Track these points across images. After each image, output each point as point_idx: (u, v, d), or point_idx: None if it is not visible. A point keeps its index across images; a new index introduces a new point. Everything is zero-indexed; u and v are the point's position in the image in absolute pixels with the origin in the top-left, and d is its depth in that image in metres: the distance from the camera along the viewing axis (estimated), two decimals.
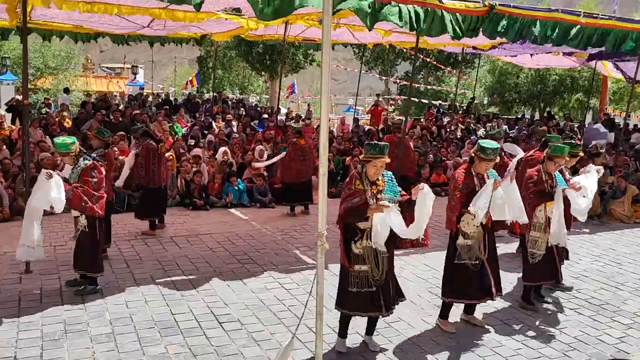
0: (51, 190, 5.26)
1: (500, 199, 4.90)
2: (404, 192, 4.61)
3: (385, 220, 4.28)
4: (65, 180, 5.53)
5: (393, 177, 4.61)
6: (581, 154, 6.54)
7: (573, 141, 6.67)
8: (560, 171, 6.06)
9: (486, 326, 5.30)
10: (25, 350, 4.52)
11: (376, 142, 4.47)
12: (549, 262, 5.67)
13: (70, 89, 18.19)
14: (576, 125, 18.39)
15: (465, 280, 5.05)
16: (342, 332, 4.75)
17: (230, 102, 19.87)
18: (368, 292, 4.48)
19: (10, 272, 6.24)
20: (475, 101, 22.56)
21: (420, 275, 6.68)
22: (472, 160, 5.04)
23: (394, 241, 4.56)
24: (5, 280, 6.02)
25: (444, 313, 5.27)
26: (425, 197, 4.33)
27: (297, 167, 9.49)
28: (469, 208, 4.72)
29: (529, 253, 5.69)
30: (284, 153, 9.83)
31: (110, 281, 6.09)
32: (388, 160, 4.46)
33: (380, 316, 4.68)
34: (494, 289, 5.08)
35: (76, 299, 5.56)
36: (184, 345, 4.70)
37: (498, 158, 4.96)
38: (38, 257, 5.66)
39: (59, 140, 5.72)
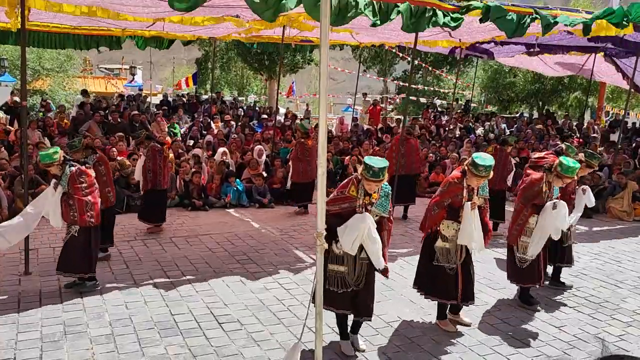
0: (52, 206, 5.41)
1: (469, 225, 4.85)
2: (390, 215, 4.59)
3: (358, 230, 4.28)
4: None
5: (389, 194, 4.57)
6: (596, 165, 6.39)
7: (593, 152, 6.48)
8: None
9: (472, 323, 5.30)
10: (25, 352, 4.51)
11: (372, 165, 4.27)
12: (536, 267, 5.64)
13: (87, 91, 18.00)
14: (575, 124, 18.41)
15: (441, 281, 5.02)
16: (343, 334, 4.74)
17: (229, 103, 19.86)
18: (345, 292, 4.48)
19: (10, 274, 6.23)
20: (463, 101, 22.60)
21: None
22: (465, 172, 4.89)
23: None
24: (4, 281, 6.01)
25: (441, 313, 5.25)
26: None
27: (303, 167, 9.50)
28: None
29: (519, 258, 5.62)
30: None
31: (110, 282, 6.08)
32: (384, 182, 4.40)
33: (350, 314, 4.63)
34: (459, 294, 5.03)
35: (76, 300, 5.56)
36: (184, 346, 4.70)
37: (491, 174, 4.80)
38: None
39: (42, 152, 5.75)
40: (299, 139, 9.80)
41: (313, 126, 11.69)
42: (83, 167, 5.72)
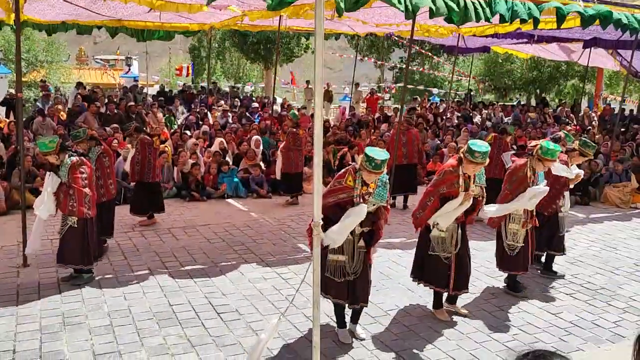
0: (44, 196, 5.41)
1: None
2: (388, 205, 4.61)
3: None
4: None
5: (387, 183, 4.55)
6: (591, 154, 6.30)
7: (587, 140, 6.32)
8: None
9: (469, 313, 5.29)
10: (24, 343, 4.53)
11: (374, 157, 4.24)
12: (524, 254, 5.67)
13: (82, 83, 17.78)
14: (571, 111, 18.41)
15: (438, 270, 5.04)
16: (340, 322, 4.78)
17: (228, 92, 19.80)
18: (345, 281, 4.52)
19: (8, 266, 6.24)
20: (466, 90, 22.59)
21: None
22: (461, 160, 4.86)
23: (371, 238, 4.57)
24: (3, 273, 6.02)
25: (437, 302, 5.27)
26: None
27: (295, 156, 9.48)
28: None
29: (508, 245, 5.63)
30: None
31: (108, 273, 6.10)
32: (383, 173, 4.42)
33: (346, 305, 4.67)
34: (451, 284, 5.05)
35: (74, 291, 5.57)
36: (182, 336, 4.72)
37: (487, 161, 4.79)
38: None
39: (39, 141, 5.73)
40: (290, 128, 9.72)
41: (309, 115, 11.66)
42: (84, 158, 5.70)
